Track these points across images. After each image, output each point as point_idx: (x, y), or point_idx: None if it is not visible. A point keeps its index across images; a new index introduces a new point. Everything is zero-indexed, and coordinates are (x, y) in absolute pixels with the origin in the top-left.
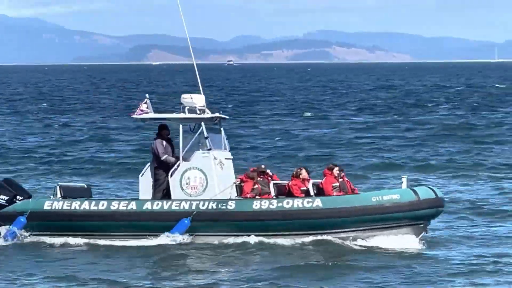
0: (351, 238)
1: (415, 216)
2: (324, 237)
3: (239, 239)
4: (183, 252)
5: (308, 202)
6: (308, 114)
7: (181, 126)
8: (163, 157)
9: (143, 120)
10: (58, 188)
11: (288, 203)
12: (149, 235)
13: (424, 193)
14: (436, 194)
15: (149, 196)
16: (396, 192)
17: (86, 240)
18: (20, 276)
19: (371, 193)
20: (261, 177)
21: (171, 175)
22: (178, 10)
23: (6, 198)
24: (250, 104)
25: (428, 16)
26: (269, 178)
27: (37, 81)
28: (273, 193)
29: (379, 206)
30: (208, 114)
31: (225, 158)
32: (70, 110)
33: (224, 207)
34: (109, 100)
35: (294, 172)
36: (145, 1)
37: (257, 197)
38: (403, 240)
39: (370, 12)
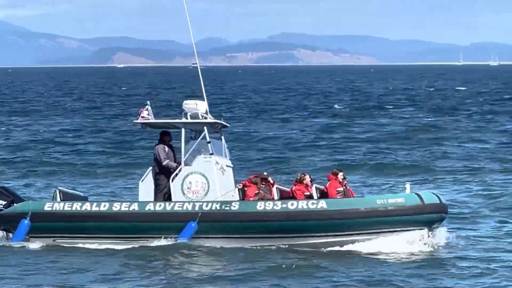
0: (354, 241)
1: (420, 221)
2: (328, 240)
3: (239, 241)
4: (181, 255)
5: (312, 203)
6: (267, 116)
7: (183, 130)
8: (165, 163)
9: (144, 125)
10: (57, 192)
11: (292, 205)
12: (151, 237)
13: (429, 198)
14: (440, 200)
15: None
16: (401, 196)
17: (82, 243)
18: (17, 282)
19: (376, 196)
20: (263, 184)
21: (173, 180)
22: (142, 13)
23: (4, 203)
24: (211, 107)
25: (394, 19)
26: (271, 185)
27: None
28: (276, 198)
29: (384, 209)
30: (211, 119)
31: (226, 166)
32: (30, 111)
33: (228, 208)
34: (72, 101)
35: (298, 178)
36: (111, 3)
37: None
38: (406, 244)
39: (333, 14)
